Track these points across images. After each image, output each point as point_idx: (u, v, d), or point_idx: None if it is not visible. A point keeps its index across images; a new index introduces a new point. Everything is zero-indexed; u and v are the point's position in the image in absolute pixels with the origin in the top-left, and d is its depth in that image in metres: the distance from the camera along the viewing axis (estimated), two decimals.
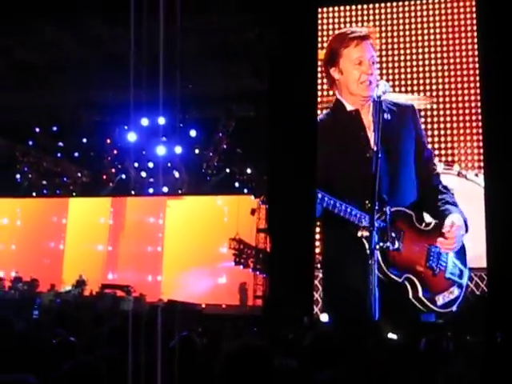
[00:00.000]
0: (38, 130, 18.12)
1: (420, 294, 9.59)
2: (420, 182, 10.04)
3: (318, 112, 10.98)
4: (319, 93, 11.11)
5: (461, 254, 9.85)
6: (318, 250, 10.59)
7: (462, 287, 9.84)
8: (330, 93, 11.01)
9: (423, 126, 10.40)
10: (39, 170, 19.58)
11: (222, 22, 13.34)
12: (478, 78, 10.32)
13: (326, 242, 10.55)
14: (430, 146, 10.39)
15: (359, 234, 9.46)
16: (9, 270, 17.75)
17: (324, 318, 10.03)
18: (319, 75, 11.11)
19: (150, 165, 18.33)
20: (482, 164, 10.18)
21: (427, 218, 9.90)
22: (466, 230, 9.80)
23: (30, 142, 18.68)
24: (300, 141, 10.67)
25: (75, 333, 3.76)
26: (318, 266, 10.56)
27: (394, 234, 9.38)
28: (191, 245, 18.34)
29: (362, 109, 9.99)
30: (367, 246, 8.83)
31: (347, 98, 10.15)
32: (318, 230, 10.57)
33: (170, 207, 19.08)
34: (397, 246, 9.46)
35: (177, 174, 18.65)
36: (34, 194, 20.25)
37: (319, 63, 11.09)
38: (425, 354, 3.53)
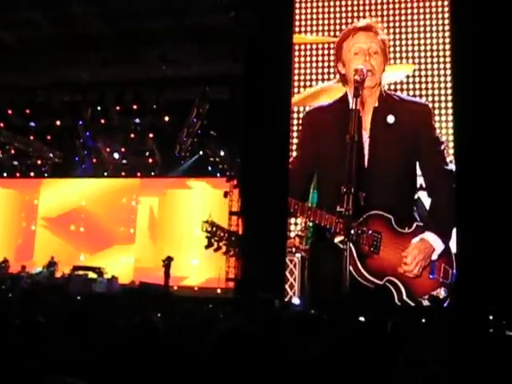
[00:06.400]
0: (9, 111, 17.81)
1: (404, 296, 9.53)
2: (427, 183, 9.92)
3: (295, 96, 10.97)
4: (295, 77, 11.07)
5: (446, 254, 9.67)
6: (292, 234, 10.59)
7: (451, 288, 9.60)
8: (306, 77, 11.00)
9: None
10: (11, 150, 19.36)
11: (198, 3, 13.25)
12: (449, 66, 10.37)
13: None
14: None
15: (336, 240, 9.46)
16: None
17: (296, 301, 10.08)
18: (294, 59, 11.08)
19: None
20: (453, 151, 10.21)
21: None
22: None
23: (1, 124, 18.40)
24: (274, 125, 10.67)
25: (44, 314, 3.74)
26: (293, 250, 10.50)
27: (371, 238, 9.46)
28: (164, 227, 18.33)
29: (364, 106, 9.91)
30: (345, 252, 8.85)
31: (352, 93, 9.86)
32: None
33: (143, 189, 18.97)
34: (374, 249, 9.50)
35: (150, 158, 18.63)
36: (5, 174, 20.05)
37: (295, 47, 11.09)
38: (389, 337, 3.58)
